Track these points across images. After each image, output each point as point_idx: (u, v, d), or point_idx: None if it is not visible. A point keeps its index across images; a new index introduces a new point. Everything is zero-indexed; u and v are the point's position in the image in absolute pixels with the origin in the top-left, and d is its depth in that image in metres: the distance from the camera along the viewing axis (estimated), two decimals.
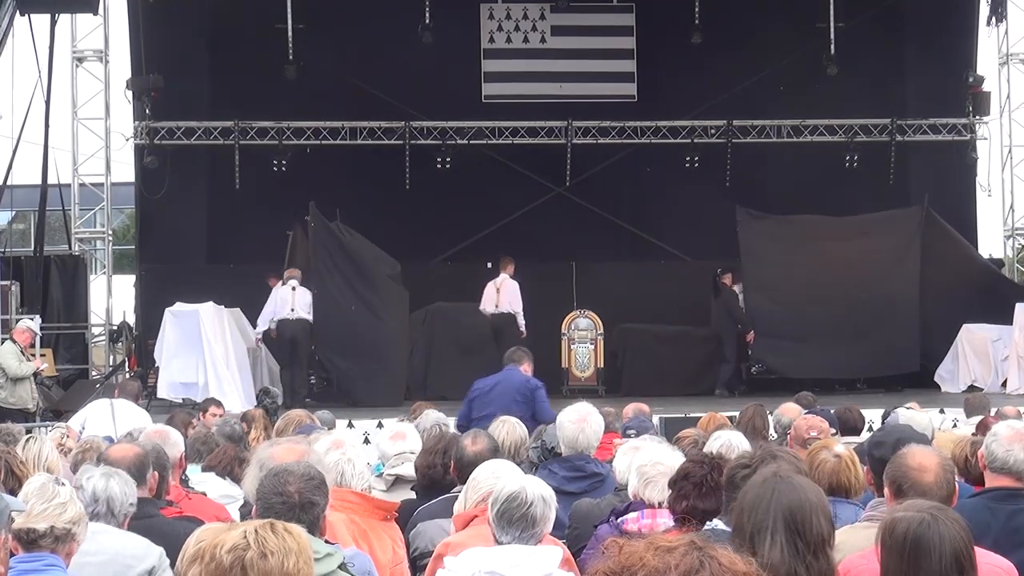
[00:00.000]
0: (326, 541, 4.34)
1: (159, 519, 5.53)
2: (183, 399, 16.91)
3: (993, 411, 10.21)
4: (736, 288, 19.93)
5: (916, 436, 5.93)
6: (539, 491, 4.80)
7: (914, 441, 5.30)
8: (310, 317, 17.89)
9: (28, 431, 7.97)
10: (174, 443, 6.72)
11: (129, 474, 5.39)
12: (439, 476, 6.52)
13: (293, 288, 17.94)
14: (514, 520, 4.67)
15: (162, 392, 17.23)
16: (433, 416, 8.44)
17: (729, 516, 4.15)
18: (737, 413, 10.80)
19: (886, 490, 4.81)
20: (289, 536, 3.10)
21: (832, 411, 10.26)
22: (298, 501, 4.21)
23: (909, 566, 3.71)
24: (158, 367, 17.80)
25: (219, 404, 12.31)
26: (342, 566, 4.14)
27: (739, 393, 18.76)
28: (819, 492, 3.88)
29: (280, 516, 3.97)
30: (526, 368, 11.70)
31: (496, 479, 5.22)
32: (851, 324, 19.20)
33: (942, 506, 3.99)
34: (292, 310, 17.87)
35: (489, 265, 21.46)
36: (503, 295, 18.94)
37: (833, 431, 8.93)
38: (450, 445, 6.62)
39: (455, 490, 6.06)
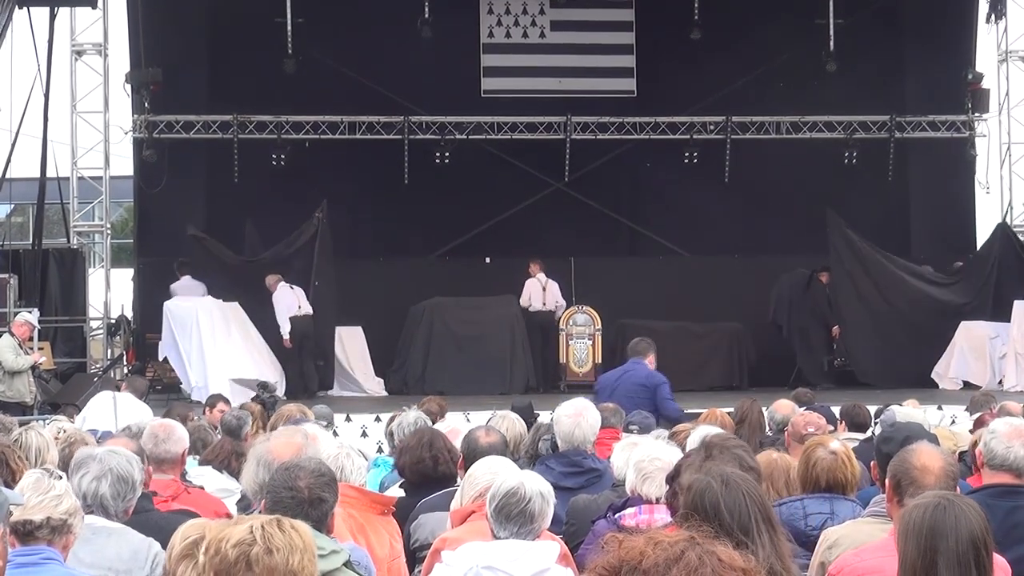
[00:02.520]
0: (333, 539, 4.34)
1: (155, 513, 5.52)
2: (177, 397, 16.95)
3: (996, 407, 10.20)
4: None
5: (925, 434, 5.93)
6: (537, 487, 4.80)
7: (923, 439, 5.30)
8: (311, 312, 18.19)
9: (21, 424, 7.92)
10: (178, 438, 6.65)
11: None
12: (429, 470, 6.45)
13: (291, 287, 18.19)
14: (512, 516, 4.67)
15: (187, 388, 17.34)
16: (412, 415, 8.36)
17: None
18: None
19: (886, 482, 4.81)
20: (295, 533, 3.10)
21: (829, 407, 10.27)
22: (307, 497, 4.20)
23: (926, 549, 3.73)
24: (160, 360, 17.86)
25: (227, 401, 12.24)
26: (348, 564, 4.13)
27: (820, 387, 19.03)
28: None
29: (288, 511, 3.96)
30: (650, 361, 11.65)
31: (493, 475, 5.22)
32: (919, 339, 19.56)
33: (959, 494, 4.00)
34: (299, 308, 18.19)
35: (488, 260, 21.51)
36: (549, 293, 19.86)
37: (831, 427, 8.93)
38: (434, 437, 6.57)
39: (456, 484, 6.06)
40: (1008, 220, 23.05)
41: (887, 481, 4.79)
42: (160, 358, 18.24)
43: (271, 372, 17.51)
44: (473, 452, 6.20)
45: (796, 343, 20.18)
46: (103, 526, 4.77)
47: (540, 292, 19.86)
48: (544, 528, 4.84)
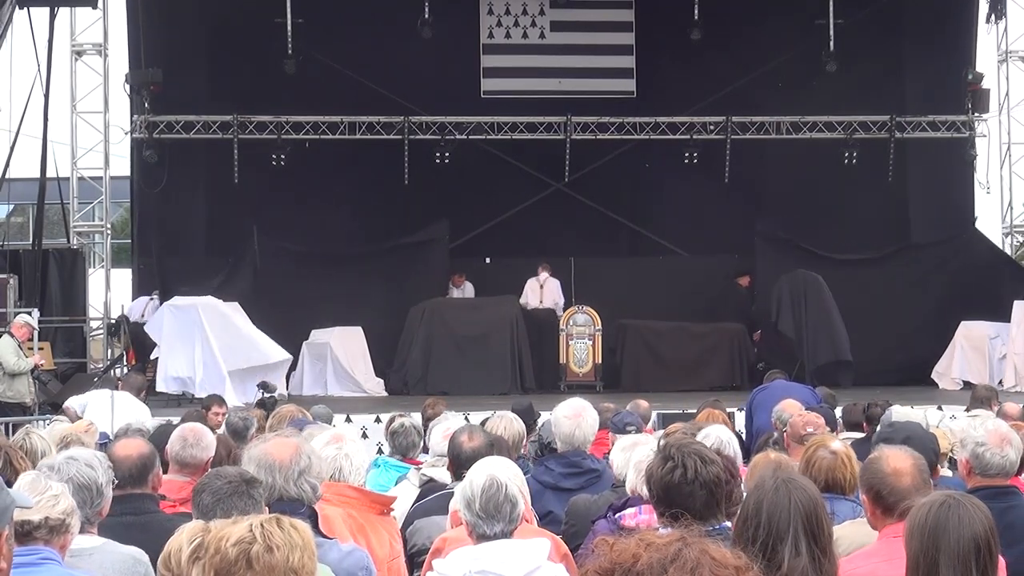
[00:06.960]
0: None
1: (159, 515, 5.49)
2: (182, 392, 16.94)
3: (997, 407, 10.18)
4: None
5: (923, 434, 5.90)
6: (506, 471, 4.78)
7: (920, 439, 5.27)
8: None
9: (16, 427, 7.88)
10: (206, 446, 6.56)
11: (135, 470, 5.34)
12: None
13: None
14: (500, 505, 4.62)
15: (160, 386, 17.23)
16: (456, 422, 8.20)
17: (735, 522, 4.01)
18: (736, 409, 10.78)
19: (863, 497, 4.74)
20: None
21: (829, 407, 10.27)
22: (241, 479, 4.18)
23: (929, 546, 3.72)
24: (156, 359, 17.83)
25: (222, 402, 12.09)
26: None
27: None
28: (816, 488, 3.88)
29: (231, 496, 3.97)
30: None
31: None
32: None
33: (968, 494, 3.99)
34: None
35: (488, 260, 21.52)
36: (546, 291, 20.43)
37: (829, 428, 8.92)
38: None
39: (450, 487, 6.03)
40: (1008, 220, 23.08)
41: (864, 496, 4.71)
42: (152, 357, 18.24)
43: (277, 364, 17.57)
44: (458, 456, 6.14)
45: (803, 341, 20.15)
46: (83, 548, 4.65)
47: (538, 290, 20.29)
48: (523, 512, 4.81)
